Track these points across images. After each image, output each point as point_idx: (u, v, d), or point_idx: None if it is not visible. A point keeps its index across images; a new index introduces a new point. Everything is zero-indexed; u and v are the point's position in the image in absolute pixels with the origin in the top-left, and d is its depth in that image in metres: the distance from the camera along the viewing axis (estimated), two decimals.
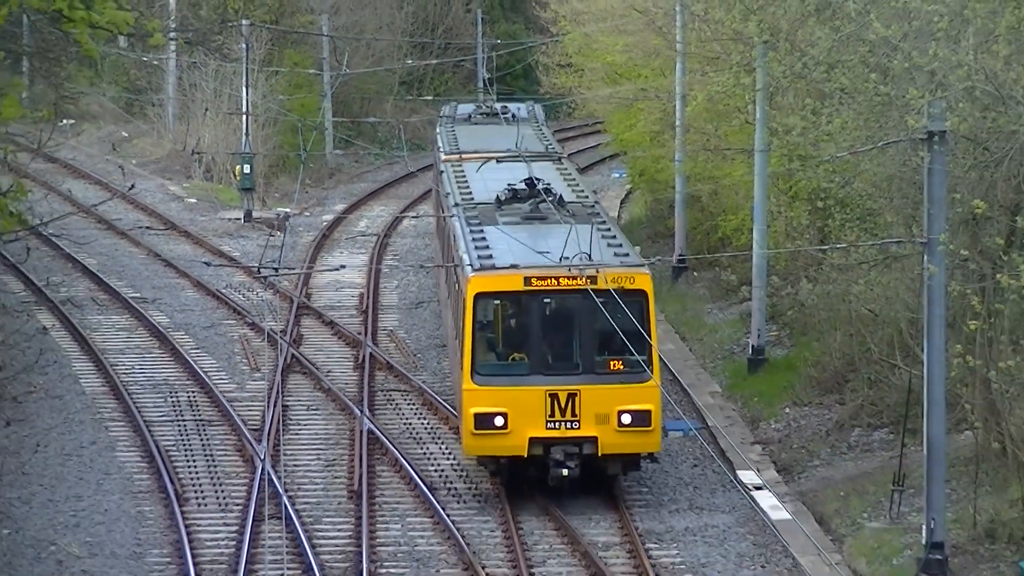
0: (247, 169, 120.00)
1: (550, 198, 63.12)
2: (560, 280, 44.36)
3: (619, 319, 43.70)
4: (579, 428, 43.38)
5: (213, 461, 74.98)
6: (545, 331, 45.55)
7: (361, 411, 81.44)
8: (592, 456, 44.73)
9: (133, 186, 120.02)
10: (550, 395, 43.48)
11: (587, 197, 71.09)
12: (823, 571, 51.63)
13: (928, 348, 61.42)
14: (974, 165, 65.90)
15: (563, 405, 43.51)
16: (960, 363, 63.25)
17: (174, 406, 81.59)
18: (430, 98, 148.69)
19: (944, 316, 61.35)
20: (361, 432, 78.33)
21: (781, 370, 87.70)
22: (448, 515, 67.39)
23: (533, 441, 44.02)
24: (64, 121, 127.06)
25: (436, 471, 73.79)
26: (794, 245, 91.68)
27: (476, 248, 52.29)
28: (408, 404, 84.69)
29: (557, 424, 43.81)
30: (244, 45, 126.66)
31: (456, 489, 71.63)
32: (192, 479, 72.55)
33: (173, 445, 77.09)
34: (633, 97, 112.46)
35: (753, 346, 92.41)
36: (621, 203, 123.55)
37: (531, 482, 49.64)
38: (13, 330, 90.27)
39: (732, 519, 55.52)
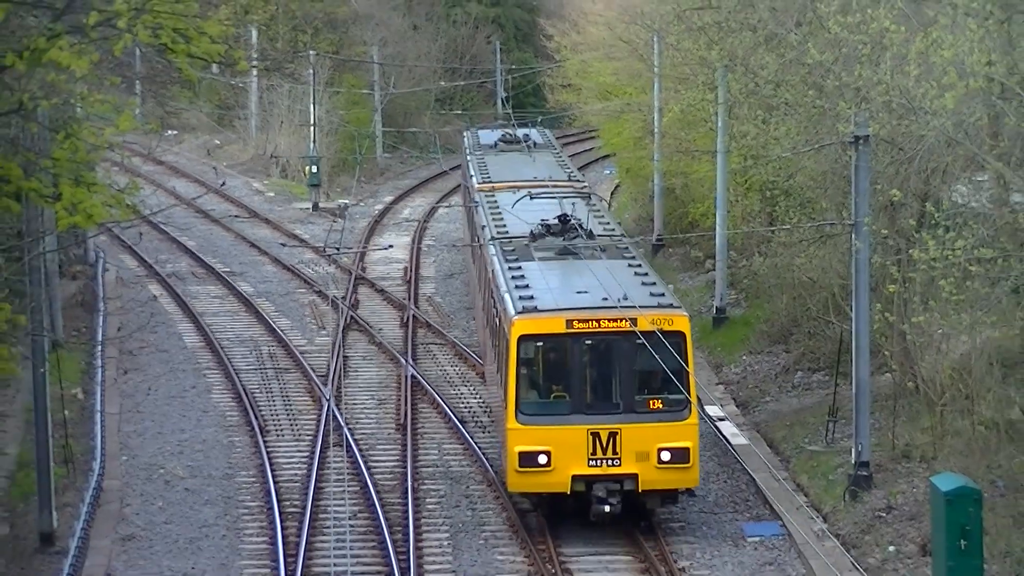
0: (314, 169, 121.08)
1: (582, 232, 57.29)
2: (601, 322, 40.73)
3: (657, 360, 40.79)
4: (620, 465, 40.38)
5: (288, 401, 76.04)
6: (586, 371, 41.82)
7: (406, 360, 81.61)
8: (632, 492, 41.77)
9: (224, 183, 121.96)
10: (592, 434, 40.37)
11: (614, 229, 65.27)
12: (773, 485, 51.98)
13: (855, 307, 63.48)
14: (891, 162, 68.19)
15: (604, 443, 40.43)
16: (881, 319, 65.63)
17: (257, 357, 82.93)
18: (459, 112, 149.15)
19: (868, 282, 63.23)
20: (406, 377, 78.33)
21: (739, 326, 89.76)
22: (476, 443, 68.68)
23: (576, 478, 41.08)
24: (168, 132, 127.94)
25: (466, 408, 74.48)
26: (748, 227, 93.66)
27: (517, 287, 48.49)
28: (443, 355, 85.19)
29: (599, 462, 40.91)
30: (311, 71, 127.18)
31: (482, 422, 72.29)
32: (272, 416, 73.74)
33: (256, 388, 77.36)
34: (620, 110, 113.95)
35: (716, 307, 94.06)
36: (611, 194, 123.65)
37: (572, 514, 45.58)
38: (129, 298, 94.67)
39: (701, 444, 54.89)
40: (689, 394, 41.26)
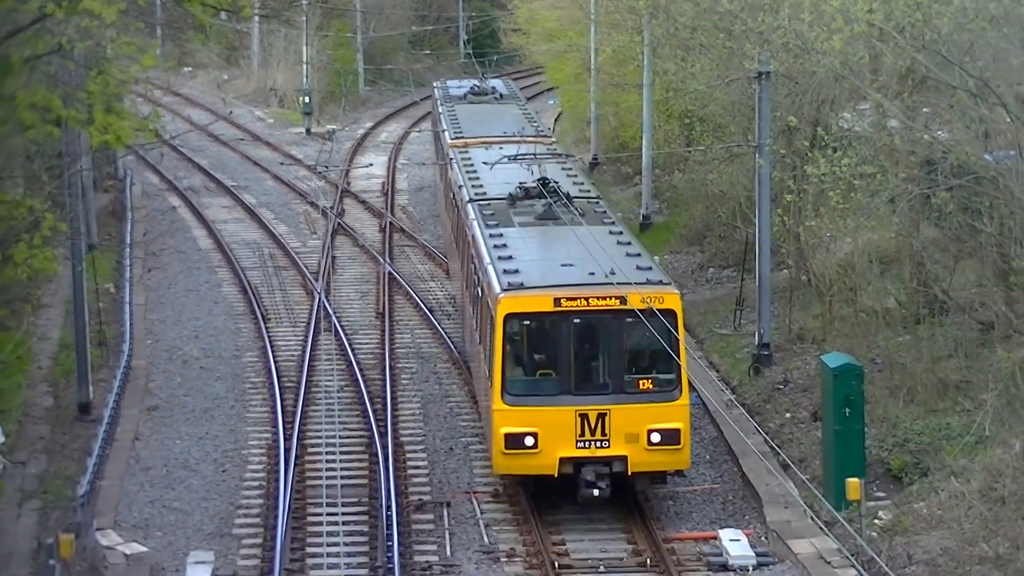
0: (307, 100, 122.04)
1: (562, 195, 51.66)
2: (590, 300, 37.16)
3: (648, 338, 37.66)
4: (609, 447, 36.99)
5: (286, 294, 77.69)
6: (575, 350, 38.29)
7: (384, 260, 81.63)
8: (621, 474, 38.21)
9: (231, 112, 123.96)
10: (580, 415, 36.93)
11: (590, 191, 58.75)
12: (691, 362, 51.93)
13: (759, 215, 64.23)
14: (788, 94, 69.47)
15: (593, 424, 37.10)
16: (780, 225, 67.69)
17: (259, 258, 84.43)
18: (427, 52, 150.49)
19: (769, 194, 63.84)
20: (384, 274, 79.47)
21: (661, 230, 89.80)
22: (443, 329, 70.41)
23: (563, 460, 37.68)
24: (184, 69, 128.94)
25: (434, 300, 75.90)
26: (669, 148, 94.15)
27: (500, 259, 43.31)
28: (415, 255, 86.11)
29: (587, 443, 37.59)
30: (304, 18, 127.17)
31: (448, 311, 73.78)
32: (272, 306, 75.42)
33: (259, 283, 79.33)
34: (562, 51, 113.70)
35: (643, 215, 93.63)
36: (555, 121, 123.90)
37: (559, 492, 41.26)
38: (152, 208, 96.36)
39: None
40: (680, 375, 38.16)
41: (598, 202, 53.76)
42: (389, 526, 47.56)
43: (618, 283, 38.32)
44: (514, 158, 57.10)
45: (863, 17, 56.50)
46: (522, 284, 38.56)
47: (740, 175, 72.12)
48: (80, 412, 57.06)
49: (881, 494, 47.61)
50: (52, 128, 46.92)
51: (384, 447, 54.07)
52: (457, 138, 69.31)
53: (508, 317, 37.05)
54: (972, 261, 59.08)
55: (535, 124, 75.66)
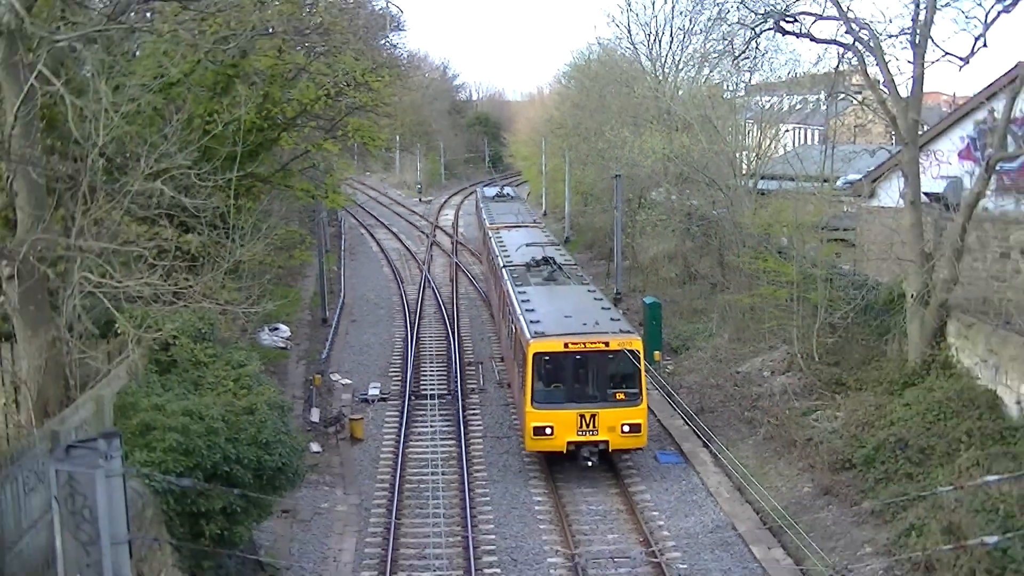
0: (419, 186, 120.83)
1: (556, 266, 47.19)
2: (586, 344, 34.95)
3: (621, 367, 35.29)
4: (597, 435, 35.36)
5: (410, 271, 75.29)
6: (576, 374, 35.90)
7: (454, 257, 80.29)
8: (605, 451, 35.81)
9: (386, 193, 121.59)
10: (579, 415, 35.30)
11: (573, 261, 53.83)
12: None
13: (616, 236, 62.70)
14: (629, 184, 65.84)
15: (587, 421, 35.53)
16: (626, 240, 67.99)
17: (399, 256, 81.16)
18: (472, 166, 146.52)
19: (621, 227, 63.63)
20: (453, 262, 77.51)
21: (575, 243, 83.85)
22: (478, 287, 67.71)
23: (569, 443, 35.37)
24: (366, 173, 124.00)
25: (475, 273, 72.28)
26: (577, 209, 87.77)
27: (527, 312, 39.23)
28: (466, 254, 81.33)
29: (584, 432, 35.67)
30: (417, 151, 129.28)
31: (480, 279, 68.74)
32: (405, 277, 72.60)
33: (399, 266, 76.75)
34: (529, 165, 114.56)
35: (566, 236, 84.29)
36: (527, 195, 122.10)
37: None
38: (352, 233, 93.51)
39: None
40: (641, 389, 35.68)
41: (578, 268, 50.63)
42: (455, 370, 49.76)
43: (603, 331, 36.17)
44: (528, 245, 53.38)
45: (660, 150, 60.76)
46: (543, 333, 36.09)
47: (607, 219, 69.22)
48: (322, 323, 59.32)
49: (668, 359, 48.31)
50: (309, 199, 54.24)
51: (452, 336, 55.94)
52: (491, 223, 64.95)
53: (536, 355, 35.23)
54: (707, 257, 63.61)
55: (530, 214, 74.00)
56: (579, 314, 39.28)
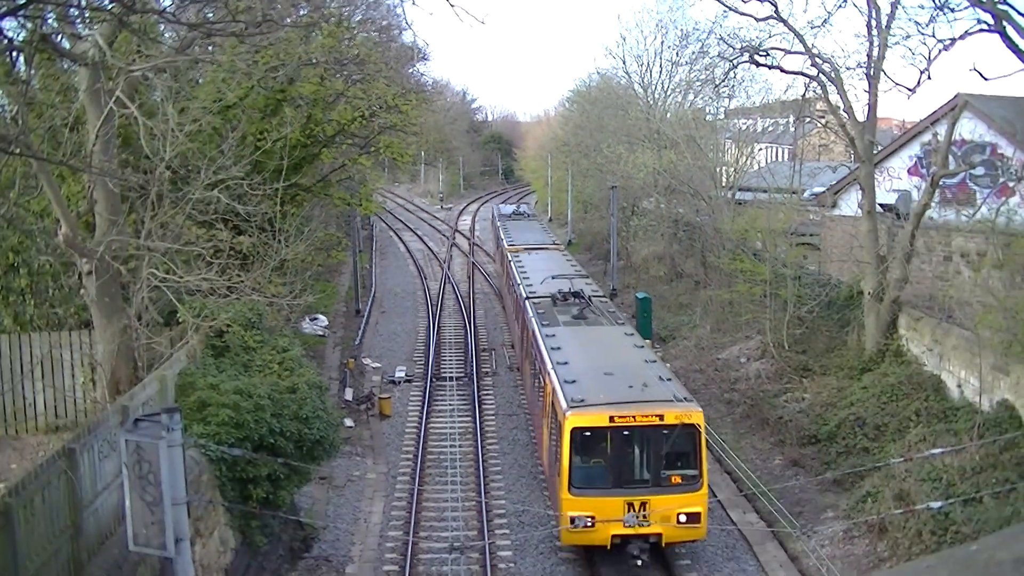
0: (441, 195, 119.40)
1: (587, 301, 37.96)
2: (636, 417, 26.06)
3: (677, 444, 26.27)
4: (649, 526, 25.98)
5: (432, 268, 74.17)
6: (623, 453, 26.48)
7: (471, 257, 78.73)
8: (657, 544, 26.36)
9: (412, 201, 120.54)
10: (627, 503, 25.99)
11: (598, 291, 43.74)
12: None
13: (612, 239, 64.48)
14: (624, 194, 66.01)
15: (637, 509, 26.21)
16: (620, 243, 66.26)
17: (423, 255, 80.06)
18: (487, 178, 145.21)
19: (616, 231, 63.64)
20: (470, 261, 76.28)
21: (576, 245, 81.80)
22: (492, 284, 66.38)
23: (614, 536, 26.23)
24: (395, 183, 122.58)
25: (488, 271, 70.88)
26: (578, 216, 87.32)
27: (559, 366, 29.56)
28: (481, 254, 79.23)
29: (632, 523, 26.45)
30: (439, 164, 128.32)
31: (493, 276, 67.91)
32: (428, 273, 71.47)
33: (423, 264, 76.35)
34: (537, 177, 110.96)
35: (568, 239, 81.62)
36: (535, 204, 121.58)
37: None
38: (382, 236, 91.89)
39: None
40: (701, 472, 26.36)
41: (609, 303, 40.34)
42: (471, 355, 49.26)
43: (656, 400, 26.61)
44: (554, 277, 41.75)
45: (651, 165, 60.89)
46: (583, 401, 26.50)
47: (604, 224, 69.18)
48: (356, 313, 58.27)
49: (657, 346, 46.36)
50: (345, 206, 54.45)
51: (468, 326, 55.49)
52: (510, 244, 55.29)
53: (575, 430, 25.54)
54: (691, 258, 62.71)
55: (549, 235, 62.40)
56: (622, 372, 29.89)
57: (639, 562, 26.22)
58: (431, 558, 27.72)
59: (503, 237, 60.71)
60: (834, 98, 39.73)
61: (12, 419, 26.22)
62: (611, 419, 26.32)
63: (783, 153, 77.09)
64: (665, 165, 59.53)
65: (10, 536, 13.50)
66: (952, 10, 35.96)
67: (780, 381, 39.06)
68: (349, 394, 42.20)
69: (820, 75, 39.33)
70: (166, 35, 30.68)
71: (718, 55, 47.34)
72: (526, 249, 54.47)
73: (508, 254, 54.50)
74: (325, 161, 44.94)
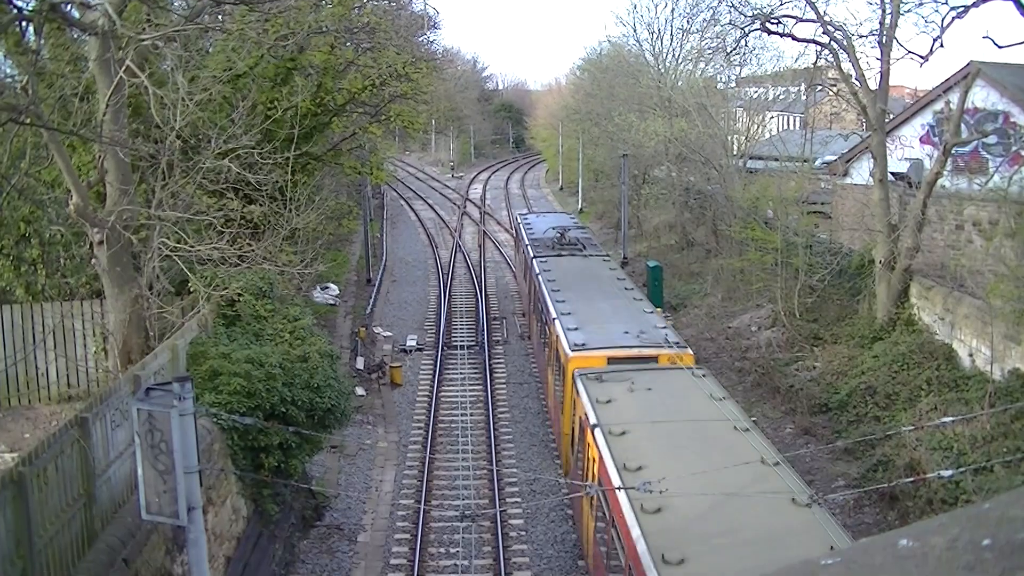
0: (452, 163, 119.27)
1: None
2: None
3: None
4: None
5: (443, 237, 74.87)
6: None
7: (481, 225, 79.53)
8: None
9: (423, 170, 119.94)
10: None
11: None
12: None
13: (623, 207, 66.08)
14: (634, 161, 65.02)
15: None
16: (632, 211, 67.28)
17: (434, 224, 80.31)
18: (498, 146, 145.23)
19: (627, 199, 65.94)
20: (480, 229, 76.57)
21: (587, 213, 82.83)
22: (504, 253, 66.92)
23: None
24: (406, 151, 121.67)
25: (500, 239, 71.58)
26: (590, 183, 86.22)
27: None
28: (493, 224, 79.68)
29: None
30: (450, 134, 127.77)
31: (507, 244, 69.46)
32: (439, 242, 72.08)
33: (433, 232, 76.26)
34: (548, 146, 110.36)
35: (579, 207, 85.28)
36: (546, 173, 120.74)
37: None
38: (393, 204, 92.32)
39: None
40: None
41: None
42: (482, 324, 49.53)
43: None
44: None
45: (662, 132, 61.64)
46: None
47: (615, 193, 69.03)
48: (367, 282, 58.35)
49: (668, 314, 44.94)
50: (356, 175, 53.51)
51: (479, 295, 55.23)
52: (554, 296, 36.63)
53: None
54: (702, 226, 62.15)
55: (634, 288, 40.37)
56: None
57: None
58: (442, 527, 27.86)
59: (547, 294, 36.33)
60: (846, 66, 39.74)
61: (25, 388, 26.43)
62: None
63: (795, 121, 77.19)
64: (676, 133, 59.20)
65: (24, 504, 13.54)
66: None
67: (791, 350, 39.28)
68: (360, 363, 42.37)
69: (832, 43, 39.34)
70: (175, 3, 30.53)
71: (729, 23, 47.25)
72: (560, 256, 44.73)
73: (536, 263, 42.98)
74: (336, 130, 44.79)
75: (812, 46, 42.37)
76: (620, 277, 39.95)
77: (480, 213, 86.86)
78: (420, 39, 65.78)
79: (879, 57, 37.72)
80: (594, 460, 22.32)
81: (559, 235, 46.96)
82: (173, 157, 24.38)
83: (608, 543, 19.93)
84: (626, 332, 29.95)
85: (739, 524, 16.47)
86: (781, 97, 69.40)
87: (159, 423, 12.14)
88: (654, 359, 27.41)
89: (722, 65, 65.68)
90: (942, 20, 35.01)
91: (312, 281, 45.76)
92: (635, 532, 16.72)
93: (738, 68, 66.89)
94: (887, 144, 39.51)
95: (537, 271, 41.30)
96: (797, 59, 75.28)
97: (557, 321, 32.27)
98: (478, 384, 40.89)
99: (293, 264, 29.00)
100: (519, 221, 57.14)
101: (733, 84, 70.87)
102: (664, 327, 31.25)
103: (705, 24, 66.79)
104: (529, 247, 47.07)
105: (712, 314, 47.10)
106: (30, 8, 20.88)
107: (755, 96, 66.34)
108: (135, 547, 16.12)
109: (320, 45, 39.50)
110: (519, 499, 29.64)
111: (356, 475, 31.71)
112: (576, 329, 30.54)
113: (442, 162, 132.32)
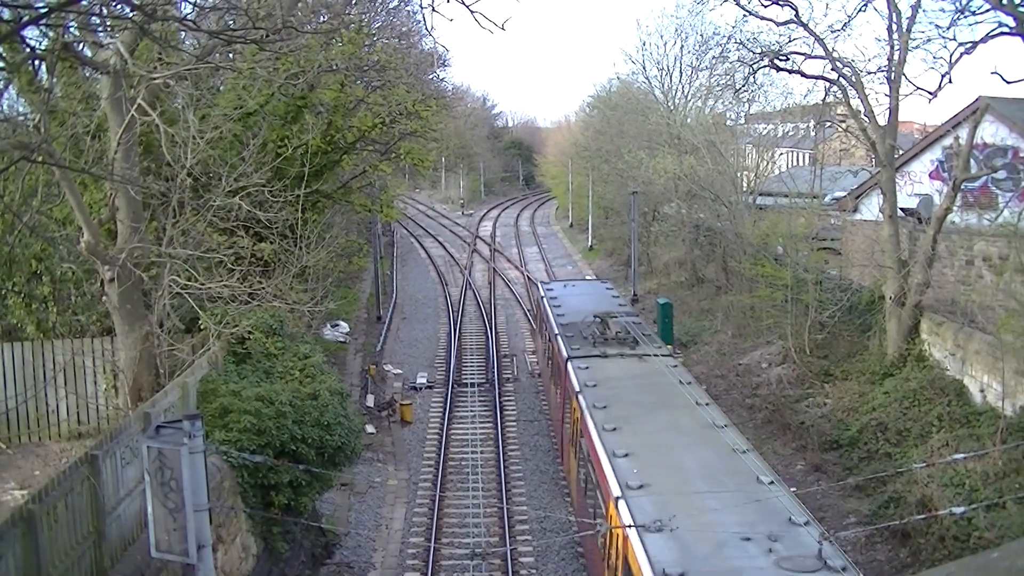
0: (462, 201, 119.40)
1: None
2: None
3: None
4: None
5: (453, 275, 74.70)
6: None
7: (491, 263, 79.47)
8: None
9: (433, 207, 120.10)
10: None
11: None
12: None
13: (632, 244, 65.58)
14: (643, 199, 65.88)
15: None
16: (641, 248, 67.19)
17: (444, 261, 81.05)
18: (507, 184, 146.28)
19: (637, 236, 63.94)
20: (491, 267, 76.94)
21: (597, 251, 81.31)
22: (513, 290, 66.71)
23: None
24: (416, 189, 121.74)
25: (512, 279, 70.99)
26: (598, 220, 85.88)
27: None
28: (503, 262, 79.94)
29: None
30: (460, 171, 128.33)
31: (516, 283, 69.90)
32: (449, 280, 72.28)
33: (444, 270, 76.34)
34: (558, 184, 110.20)
35: (589, 244, 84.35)
36: (556, 209, 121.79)
37: None
38: (404, 242, 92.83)
39: None
40: None
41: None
42: (492, 362, 49.38)
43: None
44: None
45: (671, 170, 61.09)
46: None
47: (625, 230, 70.27)
48: (377, 320, 58.34)
49: (679, 351, 45.25)
50: (366, 212, 54.43)
51: (489, 332, 54.98)
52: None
53: None
54: (712, 263, 62.42)
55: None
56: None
57: None
58: (453, 564, 27.63)
59: (610, 466, 21.28)
60: (855, 102, 39.79)
61: (35, 425, 26.29)
62: None
63: (804, 157, 77.25)
64: (686, 170, 59.12)
65: (34, 542, 13.50)
66: (973, 13, 36.20)
67: (801, 386, 39.01)
68: (371, 400, 42.17)
69: (840, 79, 39.44)
70: (187, 43, 30.29)
71: (738, 60, 47.20)
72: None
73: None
74: (346, 168, 44.82)
75: (821, 82, 42.62)
76: (701, 399, 25.70)
77: (490, 250, 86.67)
78: (430, 77, 66.08)
79: (888, 93, 37.87)
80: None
81: (601, 323, 34.51)
82: (184, 195, 24.34)
83: None
84: (746, 539, 16.19)
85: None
86: (790, 133, 69.06)
87: (169, 461, 12.08)
88: None
89: (731, 102, 66.47)
90: (950, 56, 36.55)
91: (322, 319, 45.52)
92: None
93: (747, 104, 67.42)
94: (896, 180, 39.38)
95: (577, 387, 28.12)
96: (806, 95, 72.38)
97: (629, 527, 17.46)
98: (488, 421, 40.55)
99: (303, 302, 28.88)
100: (542, 294, 44.68)
101: (742, 120, 71.16)
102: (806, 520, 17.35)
103: (714, 61, 66.28)
104: (561, 340, 34.18)
105: (722, 351, 46.72)
106: (43, 47, 21.05)
107: (764, 132, 65.71)
108: None
109: (330, 83, 39.44)
110: (529, 537, 29.29)
111: (366, 513, 31.48)
112: (664, 545, 16.24)
113: (452, 199, 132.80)
